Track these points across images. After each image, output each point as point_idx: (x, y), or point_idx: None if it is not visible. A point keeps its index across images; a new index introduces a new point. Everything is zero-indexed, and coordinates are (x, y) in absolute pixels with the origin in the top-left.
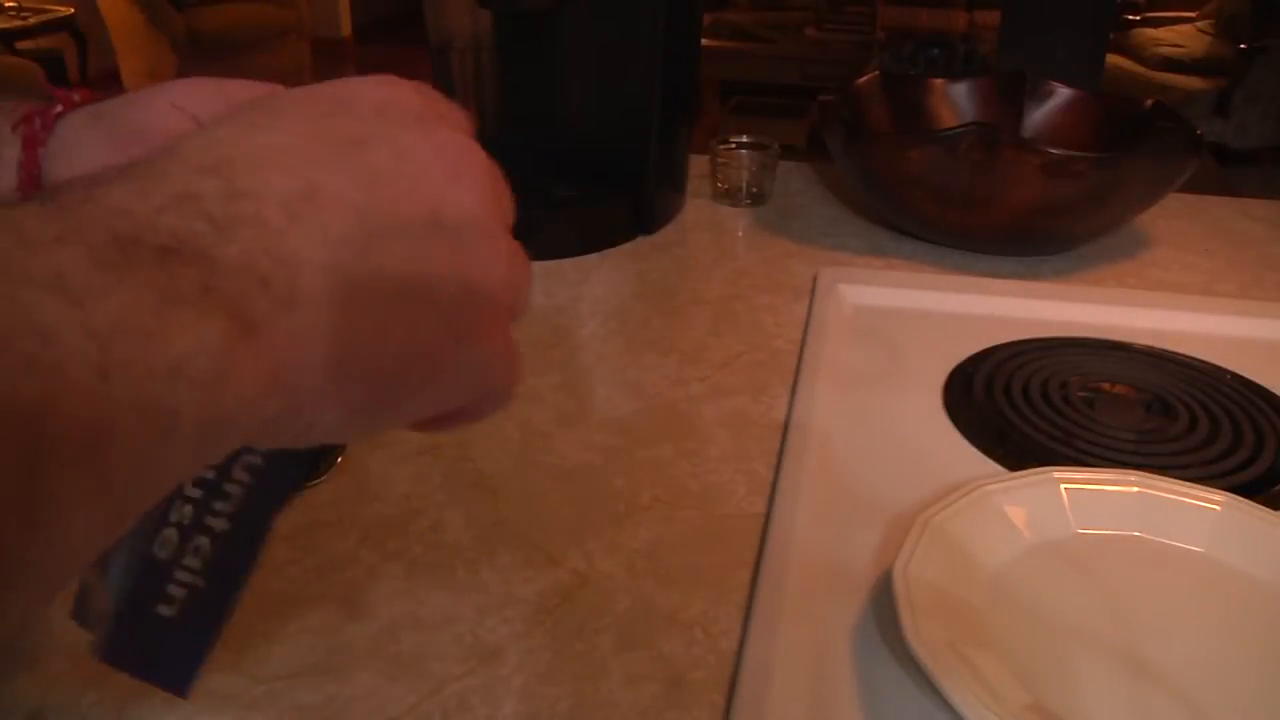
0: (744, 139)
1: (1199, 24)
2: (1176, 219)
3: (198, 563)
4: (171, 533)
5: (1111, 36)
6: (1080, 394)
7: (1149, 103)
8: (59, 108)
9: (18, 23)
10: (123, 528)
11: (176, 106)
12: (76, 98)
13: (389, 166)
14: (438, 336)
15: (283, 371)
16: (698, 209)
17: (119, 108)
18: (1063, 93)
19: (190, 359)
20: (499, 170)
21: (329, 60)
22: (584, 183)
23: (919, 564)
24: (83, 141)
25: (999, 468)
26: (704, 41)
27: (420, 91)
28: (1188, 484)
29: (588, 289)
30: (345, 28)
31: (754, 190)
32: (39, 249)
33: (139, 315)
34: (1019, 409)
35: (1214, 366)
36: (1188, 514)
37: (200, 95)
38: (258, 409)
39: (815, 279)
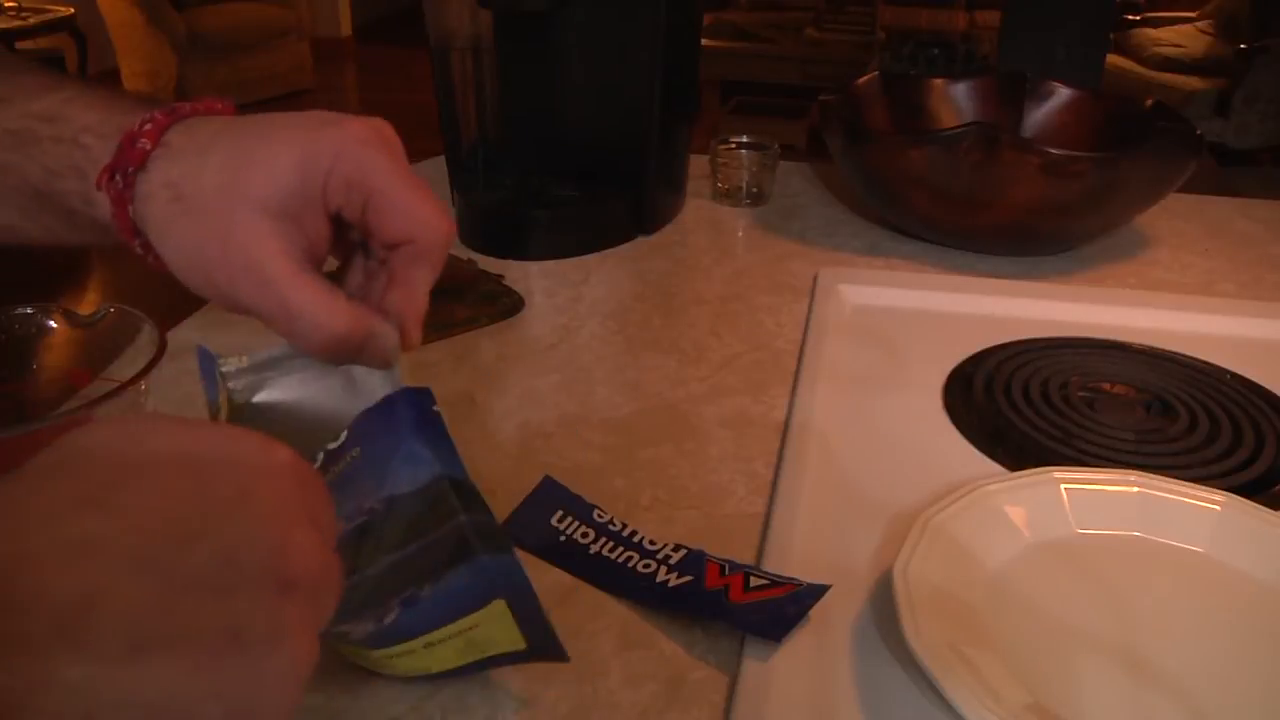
0: (744, 139)
1: (1199, 24)
2: (1176, 219)
3: None
4: None
5: (1111, 36)
6: (1080, 394)
7: (1149, 103)
8: (132, 167)
9: (18, 23)
10: None
11: (262, 209)
12: (148, 144)
13: (202, 562)
14: None
15: None
16: (698, 209)
17: (204, 198)
18: (1063, 93)
19: None
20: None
21: (329, 60)
22: (584, 183)
23: (919, 564)
24: (175, 230)
25: (999, 468)
26: (704, 41)
27: (288, 472)
28: (1188, 484)
29: (588, 289)
30: (345, 28)
31: (754, 190)
32: None
33: None
34: (1019, 409)
35: (1214, 366)
36: (1188, 514)
37: (282, 180)
38: None
39: (815, 279)
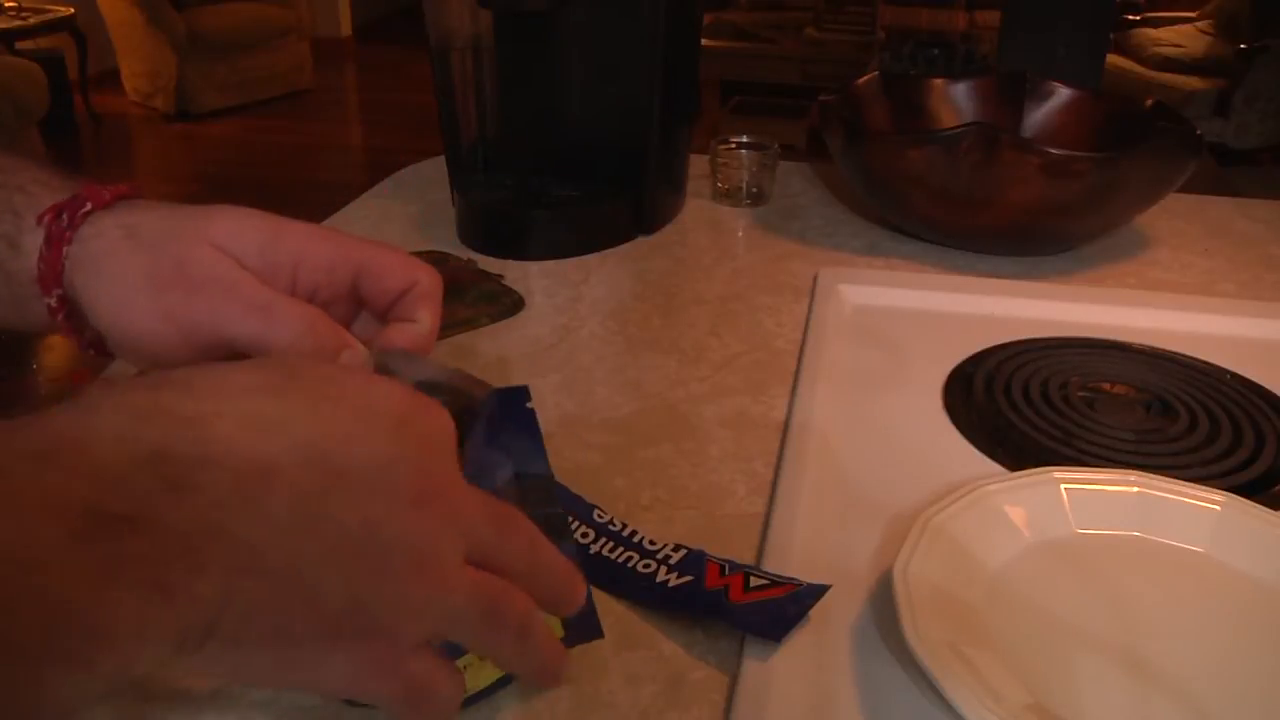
0: (744, 139)
1: (1199, 24)
2: (1176, 219)
3: None
4: None
5: (1111, 36)
6: (1080, 394)
7: (1149, 103)
8: (88, 205)
9: (18, 23)
10: None
11: (219, 248)
12: (107, 195)
13: (358, 466)
14: (314, 634)
15: (178, 626)
16: (698, 209)
17: (159, 235)
18: (1063, 93)
19: (110, 629)
20: (496, 511)
21: (329, 60)
22: (584, 183)
23: (919, 564)
24: (119, 261)
25: (999, 468)
26: (704, 41)
27: (445, 431)
28: (1188, 484)
29: (588, 289)
30: (345, 27)
31: (754, 190)
32: (20, 513)
33: (79, 594)
34: (1019, 409)
35: (1214, 366)
36: (1188, 514)
37: (246, 236)
38: (148, 654)
39: (815, 279)
